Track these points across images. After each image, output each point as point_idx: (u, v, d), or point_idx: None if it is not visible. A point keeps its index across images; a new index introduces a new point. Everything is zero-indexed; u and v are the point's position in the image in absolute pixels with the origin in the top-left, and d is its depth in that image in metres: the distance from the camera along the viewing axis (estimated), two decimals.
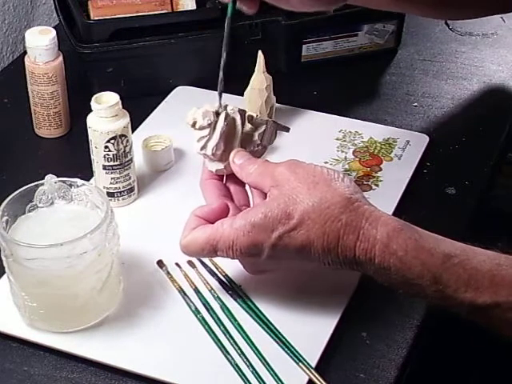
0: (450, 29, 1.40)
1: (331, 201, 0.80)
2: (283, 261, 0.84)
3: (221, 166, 0.89)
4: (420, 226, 0.82)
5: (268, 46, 1.17)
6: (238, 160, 0.88)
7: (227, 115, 0.89)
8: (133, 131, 1.04)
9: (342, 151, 1.11)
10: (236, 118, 0.89)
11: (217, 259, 0.94)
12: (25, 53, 1.13)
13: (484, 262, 0.79)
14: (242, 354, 0.86)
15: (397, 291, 0.83)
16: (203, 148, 0.89)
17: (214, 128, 0.88)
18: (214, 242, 0.84)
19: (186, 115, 0.89)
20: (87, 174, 1.03)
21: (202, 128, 0.88)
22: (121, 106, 0.99)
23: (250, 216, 0.83)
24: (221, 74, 0.92)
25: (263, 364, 0.85)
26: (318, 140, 1.13)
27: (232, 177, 0.91)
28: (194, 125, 0.88)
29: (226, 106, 0.89)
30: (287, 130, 0.95)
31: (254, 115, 0.91)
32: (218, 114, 0.89)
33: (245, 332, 0.88)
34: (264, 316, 0.89)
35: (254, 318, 0.89)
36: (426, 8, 1.14)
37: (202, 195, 0.92)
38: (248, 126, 0.90)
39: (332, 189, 0.82)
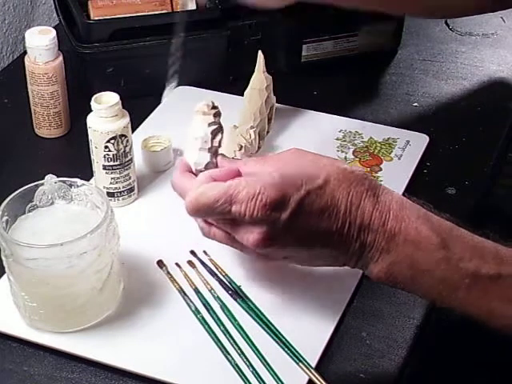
0: (450, 29, 1.40)
1: (353, 169, 0.82)
2: (299, 229, 0.80)
3: (214, 159, 0.87)
4: None
5: (268, 46, 1.17)
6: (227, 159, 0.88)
7: None
8: (133, 131, 1.04)
9: (342, 151, 1.12)
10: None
11: (217, 259, 0.94)
12: (25, 53, 1.13)
13: (488, 241, 0.82)
14: (242, 353, 0.86)
15: (395, 286, 0.82)
16: (216, 134, 0.87)
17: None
18: (234, 192, 0.78)
19: (196, 106, 0.88)
20: (87, 174, 1.03)
21: (216, 115, 0.87)
22: (121, 106, 0.99)
23: (279, 167, 0.81)
24: None
25: (263, 364, 0.85)
26: (318, 140, 1.12)
27: None
28: (213, 107, 0.87)
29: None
30: None
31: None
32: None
33: (245, 332, 0.88)
34: (264, 316, 0.89)
35: (254, 318, 0.89)
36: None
37: None
38: None
39: (350, 166, 0.84)
